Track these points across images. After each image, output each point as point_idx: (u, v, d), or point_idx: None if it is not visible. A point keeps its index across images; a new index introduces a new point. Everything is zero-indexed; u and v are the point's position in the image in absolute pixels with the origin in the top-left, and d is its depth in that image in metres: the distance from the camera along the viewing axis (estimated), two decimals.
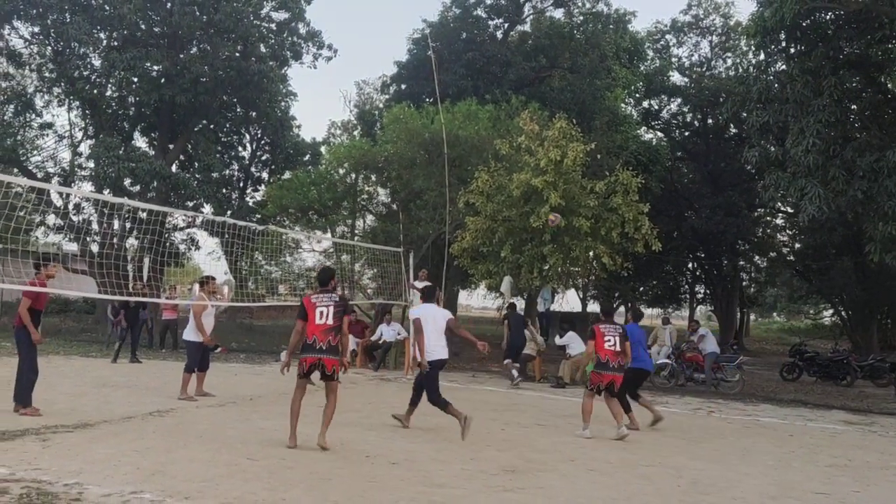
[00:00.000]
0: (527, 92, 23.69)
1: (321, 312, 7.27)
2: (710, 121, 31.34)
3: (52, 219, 24.18)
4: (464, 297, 33.37)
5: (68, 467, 5.97)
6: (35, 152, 25.48)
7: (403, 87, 27.68)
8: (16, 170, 23.05)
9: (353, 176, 22.59)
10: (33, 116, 24.91)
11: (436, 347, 8.46)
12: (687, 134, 33.17)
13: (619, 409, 9.07)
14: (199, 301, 10.73)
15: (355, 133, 29.31)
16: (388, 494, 5.67)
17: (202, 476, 5.93)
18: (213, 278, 11.34)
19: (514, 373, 14.49)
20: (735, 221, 26.93)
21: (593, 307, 32.77)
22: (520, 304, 17.01)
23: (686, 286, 37.93)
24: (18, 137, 24.15)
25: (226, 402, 10.16)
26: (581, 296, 33.32)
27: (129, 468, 6.06)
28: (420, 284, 16.24)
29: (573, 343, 15.02)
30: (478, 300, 40.28)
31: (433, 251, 19.41)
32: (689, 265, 35.70)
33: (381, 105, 29.71)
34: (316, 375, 7.35)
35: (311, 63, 26.91)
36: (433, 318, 8.59)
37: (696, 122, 32.65)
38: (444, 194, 16.65)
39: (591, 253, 16.37)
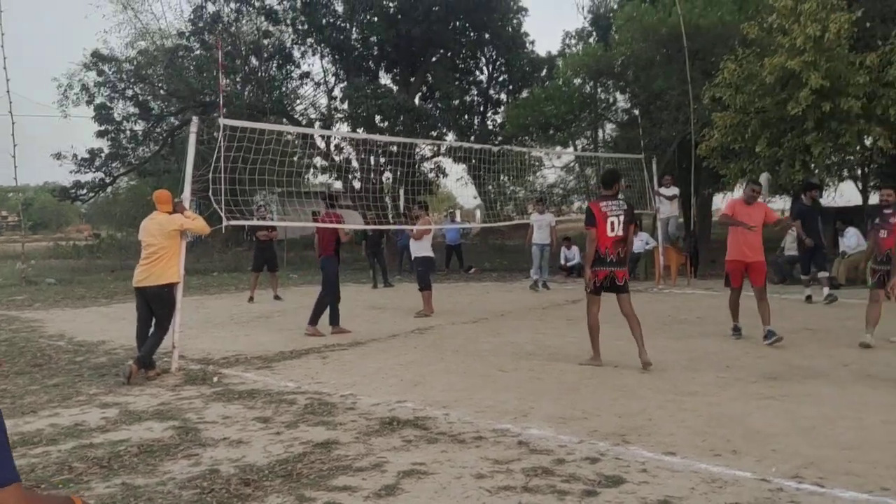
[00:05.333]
0: None
1: (612, 223, 6.89)
2: None
3: (318, 160, 26.66)
4: (718, 201, 31.18)
5: (343, 380, 6.70)
6: (298, 101, 28.07)
7: None
8: (284, 119, 25.59)
9: (591, 85, 21.92)
10: (293, 68, 27.36)
11: None
12: None
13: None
14: (423, 226, 11.62)
15: (591, 40, 28.21)
16: (636, 403, 5.62)
17: (458, 387, 6.34)
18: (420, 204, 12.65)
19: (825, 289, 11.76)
20: None
21: (876, 199, 28.95)
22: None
23: None
24: (283, 89, 26.76)
25: (479, 319, 10.68)
26: (860, 187, 29.55)
27: (395, 380, 6.66)
28: (667, 191, 15.56)
29: (851, 240, 13.63)
30: None
31: (679, 154, 18.36)
32: None
33: (615, 6, 28.21)
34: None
35: None
36: None
37: None
38: (687, 92, 15.51)
39: (866, 138, 14.42)
